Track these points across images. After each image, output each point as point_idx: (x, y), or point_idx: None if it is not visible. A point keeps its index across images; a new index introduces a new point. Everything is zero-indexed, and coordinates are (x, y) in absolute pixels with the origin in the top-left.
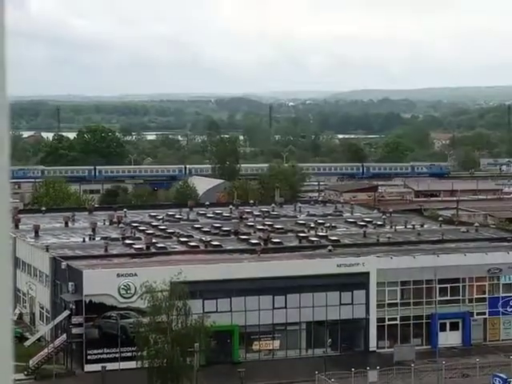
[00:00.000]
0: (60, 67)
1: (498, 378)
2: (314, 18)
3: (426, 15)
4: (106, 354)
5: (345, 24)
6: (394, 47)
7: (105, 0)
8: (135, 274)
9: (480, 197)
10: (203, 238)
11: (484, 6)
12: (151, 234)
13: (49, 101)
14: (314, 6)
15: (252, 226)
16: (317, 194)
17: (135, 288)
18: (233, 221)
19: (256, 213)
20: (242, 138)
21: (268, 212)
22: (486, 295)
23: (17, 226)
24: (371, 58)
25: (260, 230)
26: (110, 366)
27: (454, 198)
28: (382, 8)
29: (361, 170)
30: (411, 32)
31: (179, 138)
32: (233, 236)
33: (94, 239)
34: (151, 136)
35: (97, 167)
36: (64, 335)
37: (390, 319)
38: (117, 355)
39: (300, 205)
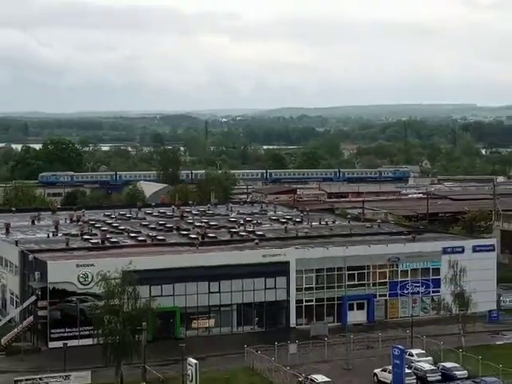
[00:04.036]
0: (26, 88)
1: (396, 349)
2: (246, 47)
3: (337, 44)
4: (67, 332)
5: (272, 52)
6: (311, 72)
7: (63, 31)
8: (92, 265)
9: (382, 198)
10: (150, 234)
11: (388, 36)
12: (106, 230)
13: (18, 117)
14: (244, 37)
15: (191, 223)
16: (245, 196)
17: (92, 276)
18: (175, 219)
19: (194, 212)
20: (182, 148)
21: (204, 211)
22: (387, 280)
23: None
24: (291, 81)
25: (198, 226)
26: (70, 342)
27: (360, 199)
28: (304, 38)
29: (337, 175)
30: (325, 59)
31: (129, 149)
32: (175, 232)
33: (56, 235)
34: (105, 147)
35: (118, 172)
36: (31, 317)
37: (307, 301)
38: (76, 334)
39: (231, 205)
